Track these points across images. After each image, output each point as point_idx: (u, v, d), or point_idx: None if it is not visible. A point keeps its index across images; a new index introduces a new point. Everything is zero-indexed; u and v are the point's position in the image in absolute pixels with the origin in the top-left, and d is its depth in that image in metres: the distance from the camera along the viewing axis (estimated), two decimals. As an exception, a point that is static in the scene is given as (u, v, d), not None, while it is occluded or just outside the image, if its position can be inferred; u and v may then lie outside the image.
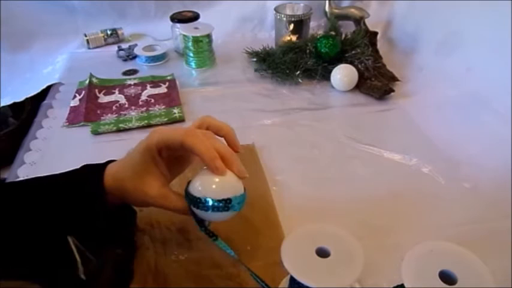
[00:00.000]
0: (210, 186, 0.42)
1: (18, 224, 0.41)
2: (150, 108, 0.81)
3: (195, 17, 0.97)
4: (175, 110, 0.80)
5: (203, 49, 0.94)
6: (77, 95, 0.84)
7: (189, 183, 0.44)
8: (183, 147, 0.42)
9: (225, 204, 0.42)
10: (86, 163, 0.47)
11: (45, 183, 0.45)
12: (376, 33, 0.95)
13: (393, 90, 0.84)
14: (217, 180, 0.42)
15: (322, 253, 0.38)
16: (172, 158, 0.47)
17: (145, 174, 0.44)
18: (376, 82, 0.86)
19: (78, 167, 0.47)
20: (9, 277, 0.41)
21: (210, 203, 0.41)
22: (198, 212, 0.43)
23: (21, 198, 0.43)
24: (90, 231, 0.43)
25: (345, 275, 0.36)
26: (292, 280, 0.38)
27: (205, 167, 0.43)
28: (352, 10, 1.03)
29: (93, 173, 0.45)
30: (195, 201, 0.42)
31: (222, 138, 0.47)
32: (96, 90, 0.86)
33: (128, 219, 0.51)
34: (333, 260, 0.37)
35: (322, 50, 0.89)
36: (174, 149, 0.43)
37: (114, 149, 0.67)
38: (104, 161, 0.47)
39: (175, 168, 0.48)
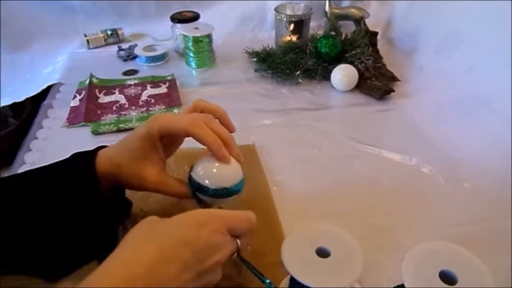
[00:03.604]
0: (213, 173, 0.45)
1: (11, 217, 0.41)
2: (151, 109, 0.81)
3: (195, 17, 0.97)
4: (176, 110, 0.80)
5: (203, 49, 0.94)
6: (77, 95, 0.84)
7: (192, 168, 0.46)
8: (188, 136, 0.44)
9: (227, 190, 0.45)
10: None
11: (36, 174, 0.45)
12: (376, 33, 0.95)
13: (393, 90, 0.84)
14: (219, 167, 0.45)
15: (322, 253, 0.38)
16: (167, 142, 0.48)
17: (143, 160, 0.45)
18: (376, 82, 0.86)
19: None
20: (8, 273, 0.41)
21: (211, 191, 0.44)
22: (201, 196, 0.45)
23: (13, 191, 0.43)
24: (85, 220, 0.43)
25: (345, 275, 0.36)
26: (292, 280, 0.38)
27: (208, 154, 0.45)
28: (352, 10, 1.03)
29: (83, 159, 0.45)
30: (199, 187, 0.45)
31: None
32: (97, 91, 0.86)
33: (123, 209, 0.51)
34: (333, 260, 0.37)
35: (322, 50, 0.89)
36: (176, 136, 0.46)
37: (114, 149, 0.68)
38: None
39: (168, 151, 0.50)
